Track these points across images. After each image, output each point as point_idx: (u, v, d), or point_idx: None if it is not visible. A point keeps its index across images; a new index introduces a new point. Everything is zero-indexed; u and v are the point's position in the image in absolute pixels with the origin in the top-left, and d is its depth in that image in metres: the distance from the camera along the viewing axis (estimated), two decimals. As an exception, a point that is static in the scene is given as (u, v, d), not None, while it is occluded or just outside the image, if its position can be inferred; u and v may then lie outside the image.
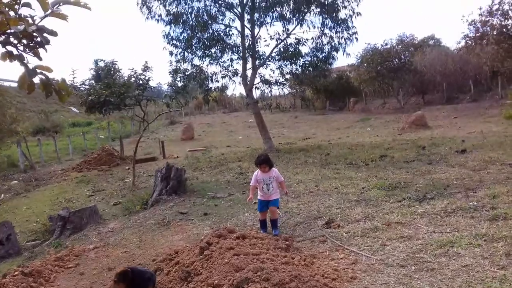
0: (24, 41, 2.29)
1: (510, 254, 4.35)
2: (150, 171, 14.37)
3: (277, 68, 18.04)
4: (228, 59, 17.69)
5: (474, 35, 26.49)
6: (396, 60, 33.56)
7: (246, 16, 17.27)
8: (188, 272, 4.59)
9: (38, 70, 2.33)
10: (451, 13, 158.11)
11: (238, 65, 17.83)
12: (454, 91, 32.39)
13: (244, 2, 17.03)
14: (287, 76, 18.49)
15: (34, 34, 2.25)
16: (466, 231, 5.18)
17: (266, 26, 17.81)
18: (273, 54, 17.70)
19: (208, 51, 17.30)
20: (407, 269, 4.39)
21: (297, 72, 18.03)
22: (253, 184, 6.28)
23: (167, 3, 16.77)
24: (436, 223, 5.67)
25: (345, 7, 16.78)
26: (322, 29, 17.29)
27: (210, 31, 17.19)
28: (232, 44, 17.61)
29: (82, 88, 13.59)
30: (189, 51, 17.40)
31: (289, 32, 17.49)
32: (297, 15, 17.06)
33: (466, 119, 23.03)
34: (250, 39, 17.42)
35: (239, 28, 17.40)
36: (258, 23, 17.47)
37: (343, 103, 39.70)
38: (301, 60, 17.74)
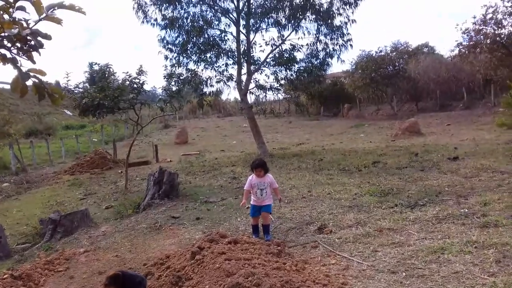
0: (18, 45, 2.29)
1: (500, 261, 4.38)
2: (143, 175, 14.33)
3: (272, 74, 18.10)
4: (223, 64, 17.71)
5: (467, 43, 26.74)
6: (390, 67, 33.75)
7: (242, 22, 17.33)
8: (179, 276, 4.58)
9: (31, 74, 2.33)
10: (445, 21, 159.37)
11: (233, 70, 17.86)
12: (448, 98, 32.60)
13: (240, 8, 17.09)
14: (282, 82, 18.53)
15: (28, 37, 2.26)
16: (457, 238, 5.21)
17: (261, 32, 17.92)
18: (268, 60, 17.76)
19: (203, 56, 17.32)
20: (398, 275, 4.40)
21: (291, 77, 18.08)
22: (247, 189, 6.28)
23: (163, 8, 16.79)
24: (428, 230, 5.70)
25: (340, 14, 16.90)
26: (317, 35, 17.39)
27: (206, 36, 17.21)
28: (228, 49, 17.65)
29: (76, 91, 13.51)
30: (184, 55, 17.41)
31: (284, 38, 17.57)
32: (292, 21, 17.14)
33: (459, 126, 23.17)
34: (246, 45, 17.47)
35: (235, 34, 17.46)
36: (253, 29, 17.54)
37: (337, 109, 39.80)
38: (296, 66, 17.80)
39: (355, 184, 9.53)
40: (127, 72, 13.51)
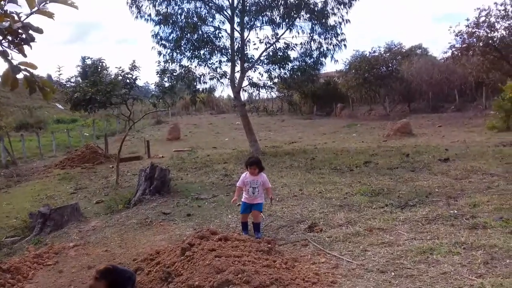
0: (9, 38, 2.28)
1: (488, 263, 4.42)
2: (134, 170, 14.29)
3: (265, 72, 18.04)
4: (216, 61, 17.64)
5: (460, 45, 26.94)
6: (384, 67, 33.90)
7: (236, 19, 17.28)
8: (168, 272, 4.58)
9: (22, 67, 2.32)
10: (438, 23, 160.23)
11: (226, 67, 17.81)
12: (440, 100, 32.86)
13: (234, 5, 17.05)
14: (275, 80, 18.52)
15: (20, 31, 2.24)
16: (446, 239, 5.25)
17: (255, 29, 17.82)
18: (262, 58, 17.72)
19: (197, 52, 17.24)
20: (387, 274, 4.43)
21: (285, 76, 18.06)
22: (239, 186, 6.29)
23: (156, 3, 16.69)
24: (417, 230, 5.74)
25: (335, 14, 16.87)
26: (311, 34, 17.37)
27: (200, 32, 17.13)
28: (221, 46, 17.59)
29: (68, 85, 13.44)
30: (178, 51, 17.32)
31: (278, 37, 17.54)
32: (286, 20, 17.10)
33: (450, 128, 23.35)
34: (240, 42, 17.43)
35: (229, 31, 17.40)
36: (247, 26, 17.49)
37: (330, 108, 39.91)
38: (290, 64, 17.77)
39: (346, 183, 9.57)
40: (120, 67, 13.50)
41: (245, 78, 17.91)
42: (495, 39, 25.55)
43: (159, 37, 17.28)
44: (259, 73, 18.73)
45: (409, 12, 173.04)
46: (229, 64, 17.59)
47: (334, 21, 16.98)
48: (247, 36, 17.52)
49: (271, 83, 18.52)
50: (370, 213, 6.82)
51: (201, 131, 32.35)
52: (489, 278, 4.07)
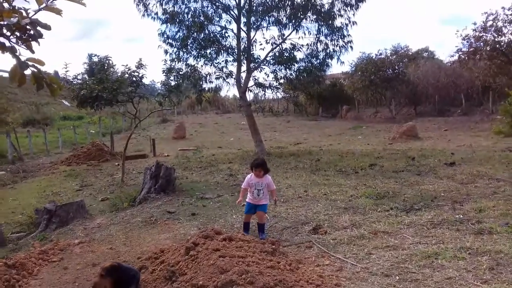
0: (17, 34, 2.28)
1: (493, 269, 4.39)
2: (139, 168, 14.30)
3: (271, 72, 18.05)
4: (223, 61, 17.66)
5: (467, 49, 26.85)
6: (390, 70, 33.81)
7: (243, 19, 17.28)
8: (173, 271, 4.57)
9: (30, 63, 2.32)
10: (445, 27, 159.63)
11: (232, 67, 17.82)
12: (446, 103, 32.70)
13: (241, 5, 17.05)
14: (281, 81, 18.50)
15: (27, 27, 2.24)
16: (451, 244, 5.22)
17: (262, 30, 17.82)
18: (268, 58, 17.71)
19: (203, 52, 17.26)
20: (391, 278, 4.40)
21: (291, 77, 18.05)
22: (244, 187, 6.28)
23: (164, 2, 16.71)
24: (422, 234, 5.71)
25: (341, 16, 16.84)
26: (317, 36, 17.34)
27: (206, 32, 17.15)
28: (228, 46, 17.60)
29: (75, 82, 13.47)
30: (184, 50, 17.35)
31: (284, 37, 17.52)
32: (293, 20, 17.08)
33: (456, 132, 23.24)
34: (246, 42, 17.43)
35: (235, 31, 17.40)
36: (254, 26, 17.49)
37: (336, 110, 39.83)
38: (296, 65, 17.75)
39: (351, 185, 9.53)
40: (126, 65, 13.48)
41: (251, 78, 17.93)
42: (502, 43, 25.44)
43: (165, 36, 17.34)
44: (265, 73, 18.71)
45: (416, 15, 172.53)
46: (235, 64, 17.61)
47: (341, 22, 16.98)
48: (254, 36, 17.55)
49: (277, 84, 18.53)
50: (375, 216, 6.80)
51: (206, 130, 32.39)
52: (494, 284, 4.04)
